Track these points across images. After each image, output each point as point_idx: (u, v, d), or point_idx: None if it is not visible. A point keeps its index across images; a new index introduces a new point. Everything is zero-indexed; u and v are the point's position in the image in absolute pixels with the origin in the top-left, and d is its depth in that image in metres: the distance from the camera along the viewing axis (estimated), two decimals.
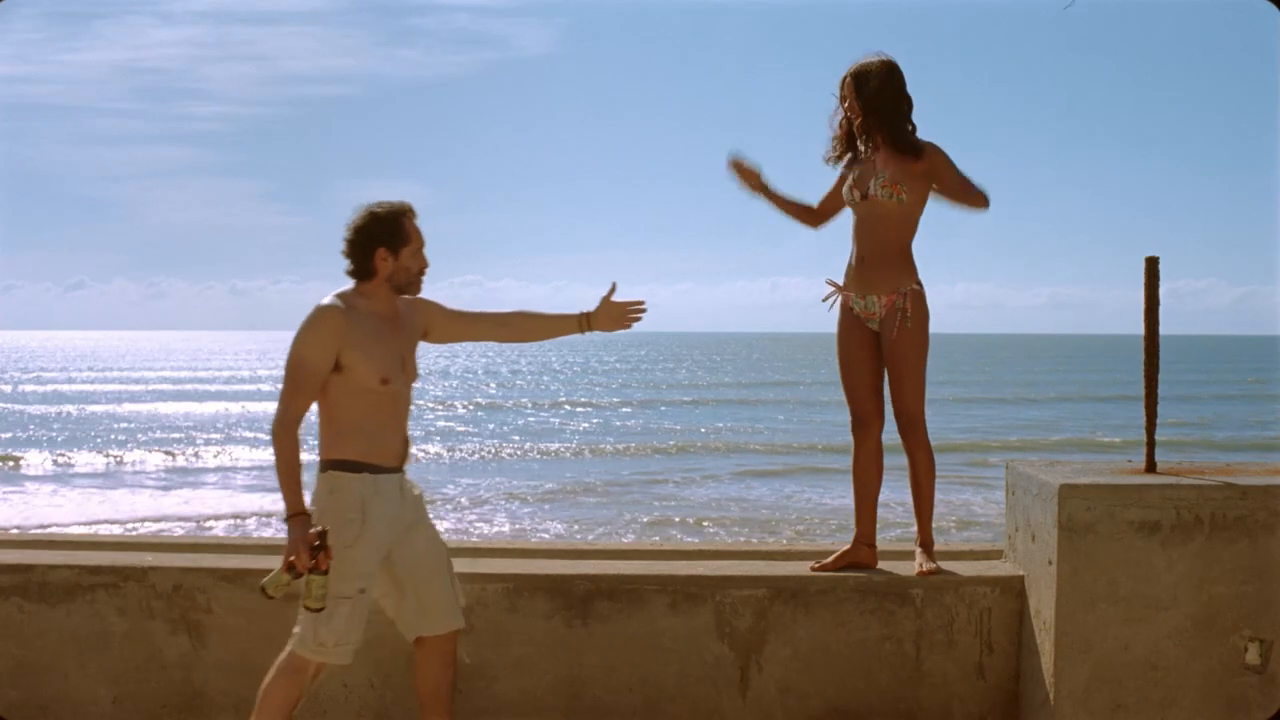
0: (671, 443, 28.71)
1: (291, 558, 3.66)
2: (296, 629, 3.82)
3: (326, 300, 3.83)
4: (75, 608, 4.49)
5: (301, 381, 3.76)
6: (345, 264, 3.88)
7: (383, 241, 3.82)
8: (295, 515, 3.69)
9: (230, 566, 4.51)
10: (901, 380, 4.52)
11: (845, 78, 4.52)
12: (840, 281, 4.65)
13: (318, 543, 3.65)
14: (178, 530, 15.49)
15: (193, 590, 4.47)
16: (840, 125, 4.61)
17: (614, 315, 4.19)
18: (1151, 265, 4.10)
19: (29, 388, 55.34)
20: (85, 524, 16.12)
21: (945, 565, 4.49)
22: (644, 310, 4.24)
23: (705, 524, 16.02)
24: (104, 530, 14.90)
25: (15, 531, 9.57)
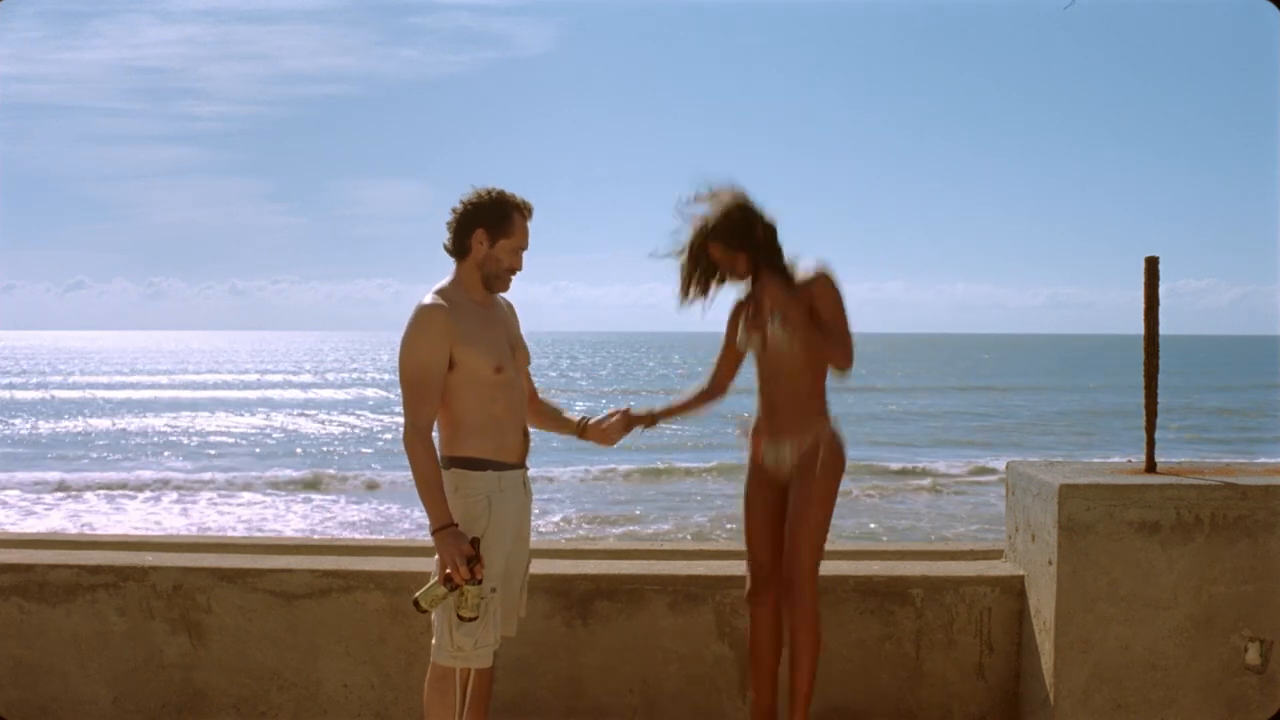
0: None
1: (448, 570, 3.55)
2: (434, 640, 3.72)
3: (427, 299, 3.70)
4: (75, 608, 4.49)
5: (424, 388, 3.64)
6: (445, 237, 3.79)
7: (484, 223, 3.73)
8: (445, 528, 3.58)
9: (230, 566, 4.51)
10: (798, 529, 3.91)
11: (697, 229, 3.99)
12: (750, 427, 4.15)
13: (474, 553, 3.57)
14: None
15: (193, 590, 4.47)
16: (685, 268, 4.05)
17: (606, 433, 4.09)
18: (1151, 265, 4.10)
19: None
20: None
21: (945, 565, 4.49)
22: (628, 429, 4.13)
23: None
24: None
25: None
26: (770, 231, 4.00)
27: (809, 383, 3.99)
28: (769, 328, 3.96)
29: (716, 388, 4.23)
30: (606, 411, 4.14)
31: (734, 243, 3.95)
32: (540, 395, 4.09)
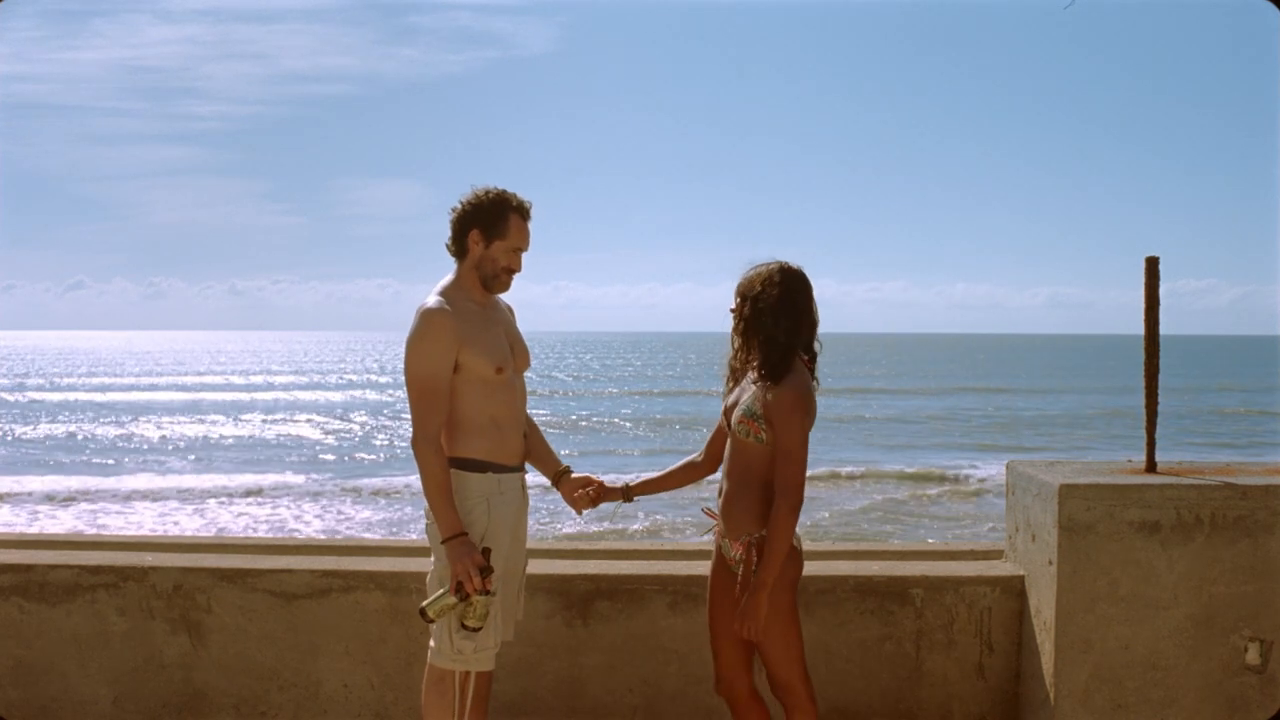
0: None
1: (459, 580, 3.53)
2: (432, 642, 3.71)
3: (430, 302, 3.67)
4: (75, 608, 4.49)
5: (433, 394, 3.61)
6: (447, 236, 3.77)
7: (480, 224, 3.71)
8: (457, 537, 3.55)
9: (230, 566, 4.50)
10: (763, 644, 3.62)
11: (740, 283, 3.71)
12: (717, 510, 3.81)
13: (486, 563, 3.55)
14: None
15: (193, 590, 4.47)
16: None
17: (575, 501, 3.99)
18: (1151, 265, 4.10)
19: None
20: None
21: (945, 565, 4.48)
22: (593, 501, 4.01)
23: None
24: None
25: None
26: (778, 319, 3.58)
27: (761, 478, 3.59)
28: (734, 415, 3.66)
29: (708, 460, 3.92)
30: (584, 476, 4.02)
31: (747, 302, 3.63)
32: (537, 424, 4.02)
